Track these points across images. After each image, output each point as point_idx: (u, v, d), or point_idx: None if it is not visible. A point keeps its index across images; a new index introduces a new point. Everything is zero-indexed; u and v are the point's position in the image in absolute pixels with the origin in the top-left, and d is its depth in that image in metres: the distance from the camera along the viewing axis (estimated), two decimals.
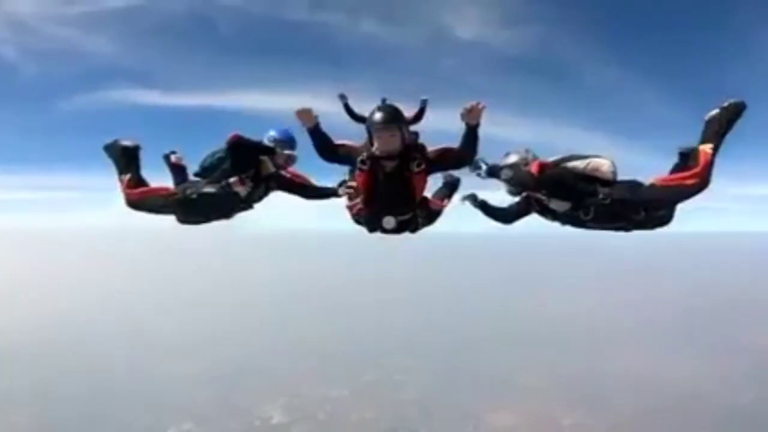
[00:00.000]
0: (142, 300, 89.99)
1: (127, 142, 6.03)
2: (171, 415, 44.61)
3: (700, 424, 43.30)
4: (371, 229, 5.35)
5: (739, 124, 5.06)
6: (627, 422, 44.37)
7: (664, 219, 5.51)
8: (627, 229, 5.43)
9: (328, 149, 5.03)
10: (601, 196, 5.06)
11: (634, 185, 5.18)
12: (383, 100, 7.39)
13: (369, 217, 5.24)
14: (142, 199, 5.79)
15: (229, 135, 5.28)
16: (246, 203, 5.84)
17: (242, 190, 5.59)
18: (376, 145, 4.85)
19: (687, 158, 5.26)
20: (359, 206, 5.25)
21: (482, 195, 5.87)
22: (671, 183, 5.07)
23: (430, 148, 5.02)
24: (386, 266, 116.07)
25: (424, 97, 7.15)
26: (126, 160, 5.96)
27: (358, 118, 7.46)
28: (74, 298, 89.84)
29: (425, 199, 5.33)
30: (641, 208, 5.19)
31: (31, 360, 54.34)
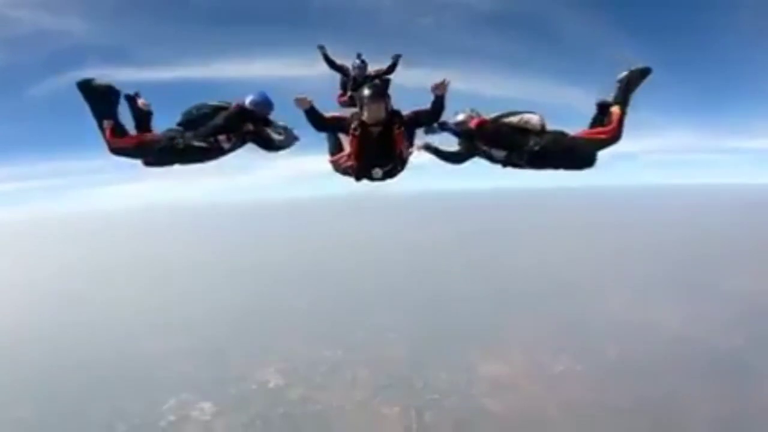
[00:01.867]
0: (120, 281, 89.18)
1: (105, 82, 5.99)
2: (167, 389, 45.00)
3: (692, 367, 44.26)
4: (359, 178, 6.37)
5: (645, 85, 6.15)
6: (617, 368, 45.43)
7: (588, 161, 6.39)
8: (556, 168, 6.47)
9: (321, 124, 6.10)
10: (531, 143, 6.09)
11: (559, 135, 6.18)
12: (358, 55, 8.47)
13: (359, 170, 6.30)
14: (127, 147, 6.04)
15: (234, 105, 6.24)
16: (225, 154, 6.46)
17: (228, 145, 6.34)
18: (365, 114, 5.82)
19: (604, 109, 6.28)
20: (350, 162, 6.27)
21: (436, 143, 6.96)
22: (589, 136, 6.14)
23: (404, 111, 6.10)
24: (362, 229, 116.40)
25: (398, 53, 8.53)
26: (107, 103, 6.00)
27: (336, 67, 8.49)
28: (52, 285, 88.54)
29: (400, 150, 6.32)
30: (564, 153, 6.21)
31: (21, 354, 53.71)
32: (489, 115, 6.49)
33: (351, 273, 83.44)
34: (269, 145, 6.72)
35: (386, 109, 5.84)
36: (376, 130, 5.89)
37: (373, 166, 6.16)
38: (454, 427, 38.52)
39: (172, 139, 6.06)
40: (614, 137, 6.00)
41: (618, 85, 6.14)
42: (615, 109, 6.05)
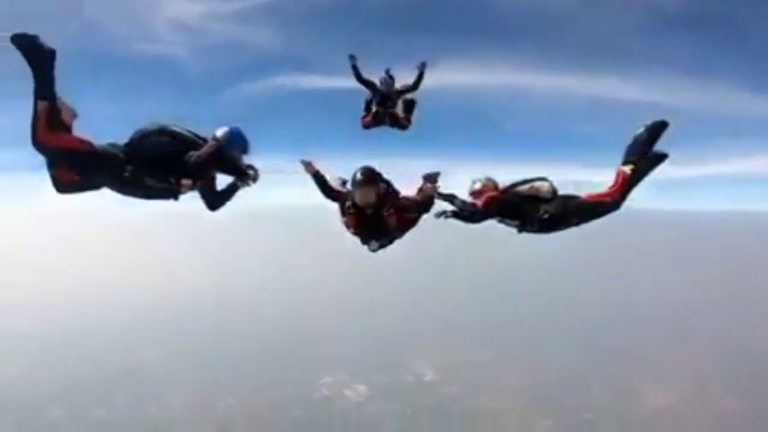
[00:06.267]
0: (306, 263, 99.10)
1: (42, 41, 4.18)
2: (327, 367, 47.74)
3: None
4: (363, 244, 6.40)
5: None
6: None
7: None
8: (563, 229, 6.29)
9: (327, 192, 6.27)
10: (542, 212, 6.05)
11: (566, 200, 6.08)
12: (387, 71, 8.19)
13: (361, 240, 6.34)
14: (60, 147, 4.35)
15: (213, 142, 5.12)
16: (174, 198, 5.16)
17: (185, 191, 5.12)
18: (356, 196, 5.86)
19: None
20: (352, 232, 6.28)
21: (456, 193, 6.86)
22: (593, 200, 5.95)
23: (403, 193, 6.23)
24: (514, 253, 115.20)
25: (422, 60, 8.15)
26: (43, 70, 4.19)
27: (363, 81, 8.11)
28: (233, 269, 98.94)
29: (401, 222, 6.22)
30: (572, 218, 6.07)
31: (184, 326, 60.02)
32: (502, 185, 6.49)
33: (519, 286, 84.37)
34: (213, 196, 5.59)
35: (377, 194, 5.80)
36: (367, 210, 5.93)
37: (370, 239, 6.25)
38: None
39: (119, 166, 4.61)
40: (616, 202, 5.77)
41: (633, 143, 5.71)
42: (625, 169, 5.69)
